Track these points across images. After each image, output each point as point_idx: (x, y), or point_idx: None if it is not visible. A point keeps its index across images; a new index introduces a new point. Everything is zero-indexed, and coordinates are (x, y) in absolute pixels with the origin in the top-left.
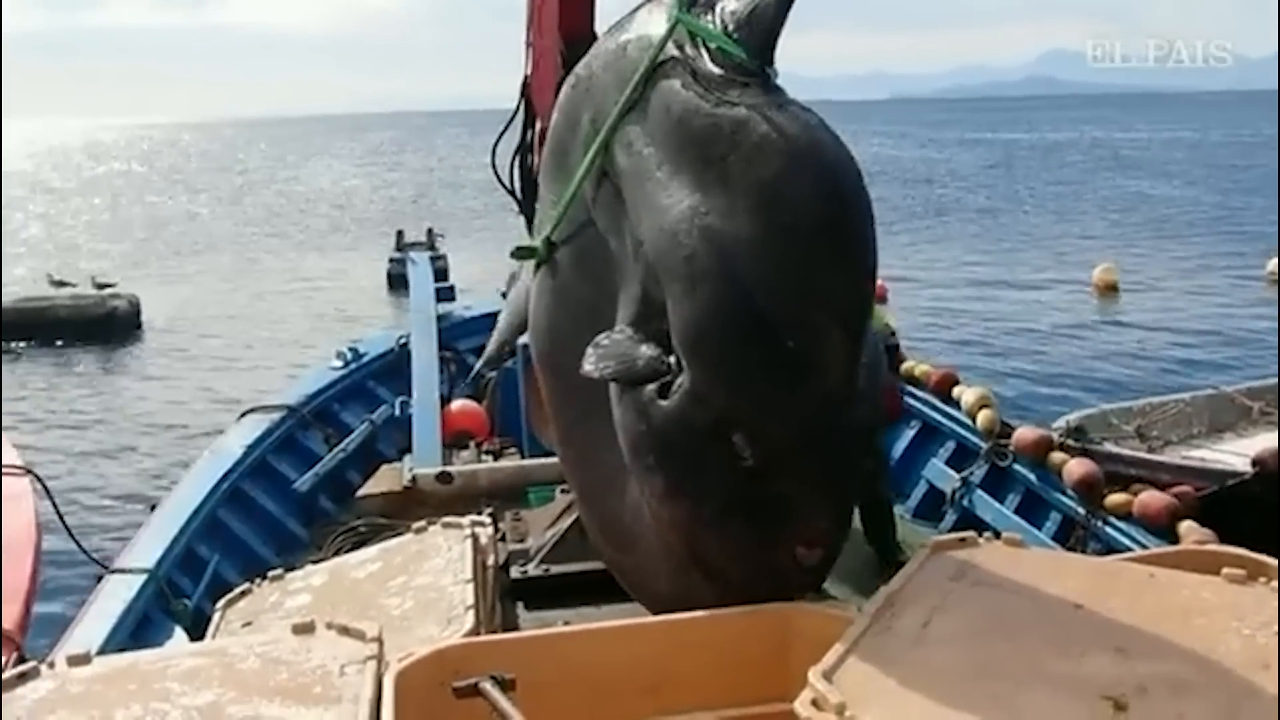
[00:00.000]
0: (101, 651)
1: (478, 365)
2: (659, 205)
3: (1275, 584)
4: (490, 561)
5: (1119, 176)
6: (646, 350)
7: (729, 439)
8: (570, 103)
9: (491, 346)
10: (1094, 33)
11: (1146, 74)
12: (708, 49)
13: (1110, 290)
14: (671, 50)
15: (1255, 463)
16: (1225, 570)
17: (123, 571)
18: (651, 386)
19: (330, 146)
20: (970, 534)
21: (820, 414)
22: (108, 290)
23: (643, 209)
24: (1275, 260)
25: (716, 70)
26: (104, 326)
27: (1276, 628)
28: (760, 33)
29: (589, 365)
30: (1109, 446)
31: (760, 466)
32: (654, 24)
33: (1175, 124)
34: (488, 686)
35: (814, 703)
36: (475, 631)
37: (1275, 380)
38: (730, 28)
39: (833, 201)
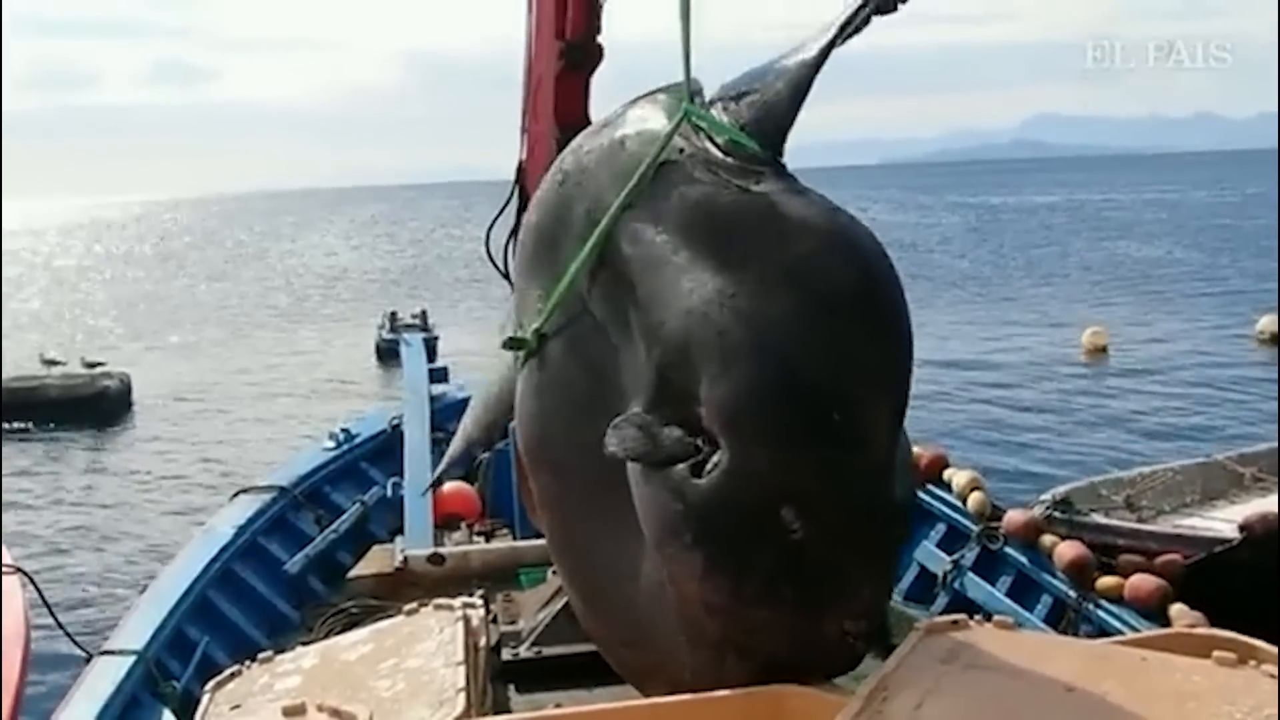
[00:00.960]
0: None
1: (439, 469)
2: (681, 289)
3: (1267, 668)
4: (482, 643)
5: (1104, 238)
6: (670, 431)
7: (776, 514)
8: (559, 197)
9: (457, 444)
10: (1079, 97)
11: (1131, 135)
12: (714, 141)
13: (1099, 352)
14: (678, 142)
15: (1243, 528)
16: (1216, 654)
17: (111, 653)
18: (682, 467)
19: (319, 221)
20: (962, 616)
21: (868, 484)
22: (98, 369)
23: (661, 294)
24: (1264, 319)
25: (729, 160)
26: (95, 406)
27: (1269, 712)
28: (773, 126)
29: (612, 446)
30: (1097, 518)
31: (809, 539)
32: (653, 119)
33: (1160, 185)
34: None
35: None
36: (466, 714)
37: (1267, 446)
38: (742, 121)
39: (867, 276)
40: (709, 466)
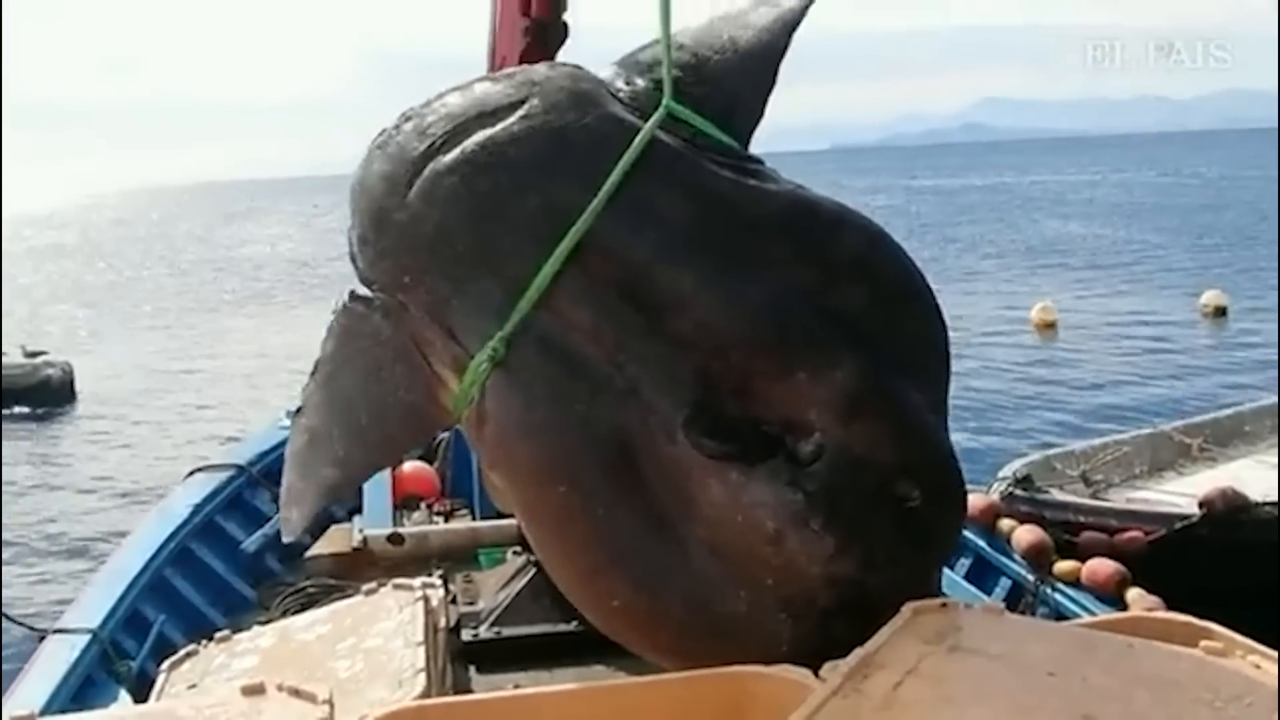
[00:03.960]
0: (44, 713)
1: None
2: (728, 288)
3: (1253, 659)
4: (441, 624)
5: (1052, 217)
6: (748, 428)
7: (893, 485)
8: (481, 188)
9: (318, 494)
10: (1024, 80)
11: (1075, 117)
12: (683, 136)
13: (1049, 328)
14: (659, 135)
15: (1203, 504)
16: (1203, 643)
17: (65, 631)
18: (779, 459)
19: (266, 209)
20: (950, 599)
21: (947, 440)
22: (39, 358)
23: (697, 294)
24: (1207, 293)
25: (718, 154)
26: (37, 395)
27: (1249, 701)
28: (745, 120)
29: (707, 445)
30: (1056, 495)
31: (921, 501)
32: (588, 104)
33: (1103, 166)
34: None
35: None
36: (426, 695)
37: (1211, 416)
38: (713, 111)
39: (911, 264)
40: (809, 452)
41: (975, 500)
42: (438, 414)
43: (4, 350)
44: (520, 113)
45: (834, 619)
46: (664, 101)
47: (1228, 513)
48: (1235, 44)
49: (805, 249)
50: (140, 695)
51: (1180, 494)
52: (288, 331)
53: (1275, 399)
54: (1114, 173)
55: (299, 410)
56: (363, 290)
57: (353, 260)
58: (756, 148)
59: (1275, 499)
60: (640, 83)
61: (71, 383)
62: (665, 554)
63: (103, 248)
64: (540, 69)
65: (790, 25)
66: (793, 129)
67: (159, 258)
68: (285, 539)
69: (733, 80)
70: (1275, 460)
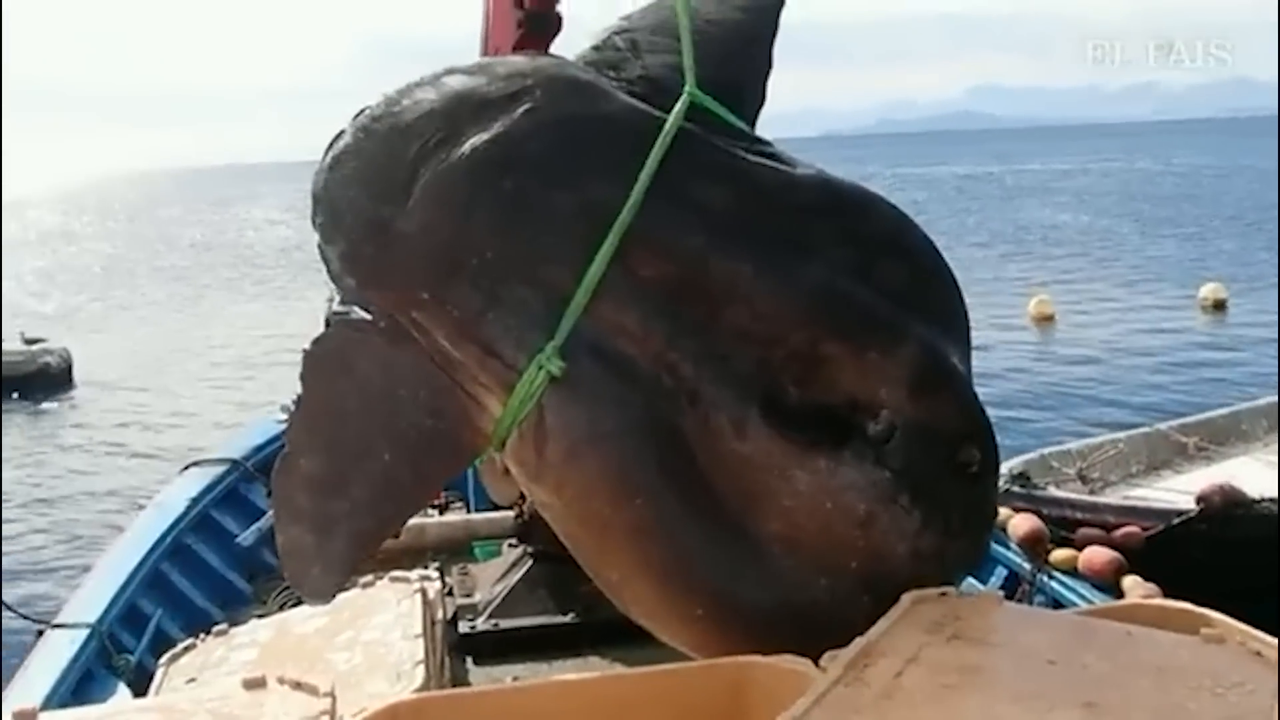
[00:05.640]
0: (44, 708)
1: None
2: (783, 271)
3: (1252, 645)
4: (439, 616)
5: (1047, 207)
6: (823, 414)
7: (959, 454)
8: (504, 191)
9: (339, 567)
10: (1017, 67)
11: (1072, 105)
12: (702, 123)
13: (1046, 320)
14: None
15: (1200, 500)
16: (1203, 630)
17: (64, 626)
18: (859, 442)
19: (262, 194)
20: (949, 588)
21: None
22: (38, 345)
23: (752, 282)
24: (1206, 287)
25: (739, 141)
26: (35, 382)
27: (1250, 689)
28: (750, 104)
29: (796, 436)
30: (1053, 491)
31: (981, 468)
32: (594, 92)
33: (1098, 155)
34: None
35: None
36: (425, 687)
37: (1207, 416)
38: (720, 93)
39: (931, 240)
40: (880, 431)
41: None
42: (475, 440)
43: (3, 337)
44: (524, 106)
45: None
46: (687, 89)
47: (1225, 508)
48: (1233, 35)
49: (844, 231)
50: (139, 689)
51: (1177, 492)
52: (291, 316)
53: (1271, 399)
54: (1109, 160)
55: (285, 455)
56: (352, 312)
57: (335, 280)
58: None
59: (1272, 496)
60: (635, 69)
61: (70, 369)
62: (742, 556)
63: (93, 231)
64: (520, 60)
65: (777, 4)
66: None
67: (149, 241)
68: (314, 604)
69: (734, 64)
70: (1272, 459)
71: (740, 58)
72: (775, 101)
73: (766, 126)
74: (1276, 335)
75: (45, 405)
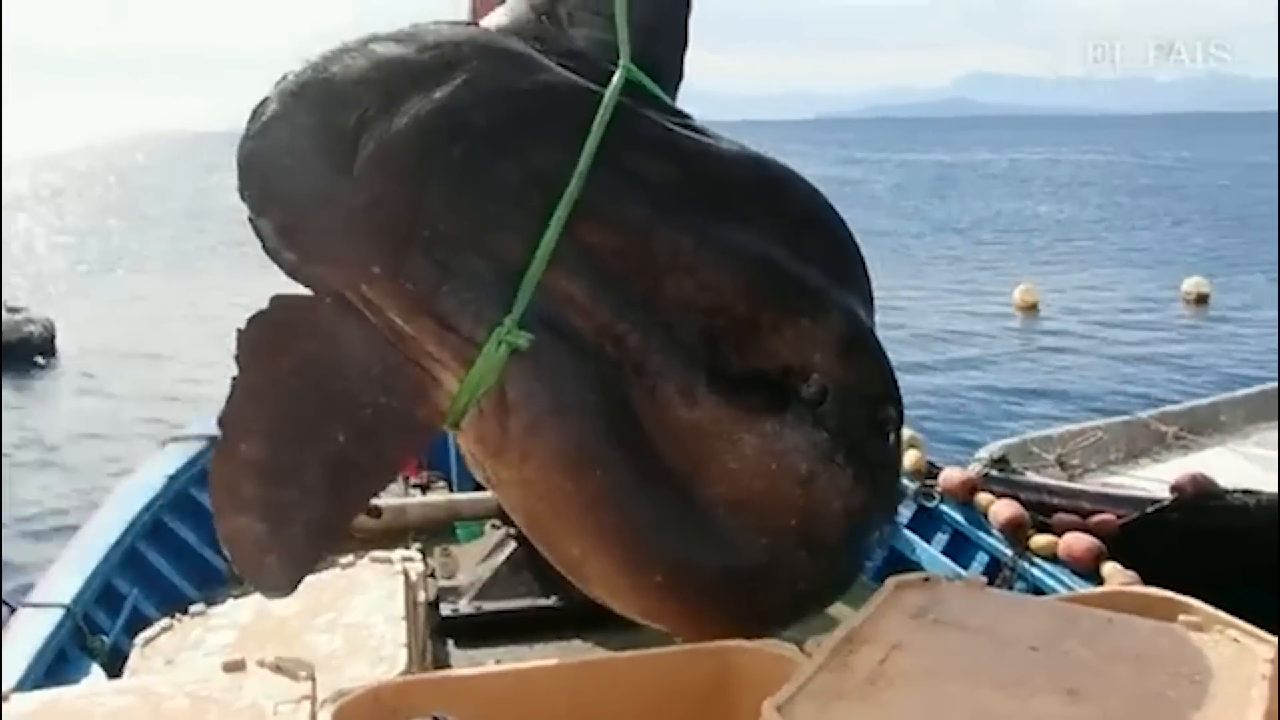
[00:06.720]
0: (17, 690)
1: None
2: (724, 242)
3: (1231, 633)
4: (421, 598)
5: (1035, 198)
6: (764, 379)
7: (880, 411)
8: (453, 162)
9: (300, 557)
10: (1010, 56)
11: (1065, 95)
12: (634, 96)
13: (1031, 309)
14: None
15: (1174, 489)
16: (1182, 618)
17: (37, 606)
18: (798, 404)
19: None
20: (933, 574)
21: None
22: (20, 314)
23: (695, 253)
24: (1189, 280)
25: (670, 115)
26: (18, 352)
27: (1228, 677)
28: (670, 78)
29: (747, 401)
30: (1031, 476)
31: (895, 423)
32: (532, 66)
33: (1088, 146)
34: None
35: None
36: (408, 671)
37: (1186, 405)
38: (647, 66)
39: (838, 211)
40: (814, 393)
41: (954, 474)
42: (432, 416)
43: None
44: (462, 75)
45: (841, 552)
46: (622, 63)
47: (1197, 498)
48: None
49: (771, 204)
50: (114, 670)
51: (1154, 480)
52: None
53: (1249, 390)
54: (1098, 153)
55: (222, 440)
56: (293, 289)
57: (271, 255)
58: (739, 112)
59: (1244, 486)
60: (563, 42)
61: (52, 339)
62: (694, 521)
63: (80, 197)
64: (449, 29)
65: None
66: (772, 96)
67: (141, 206)
68: (270, 598)
69: (656, 40)
70: (1248, 451)
71: (662, 34)
72: (769, 83)
73: (759, 107)
74: (1257, 329)
75: (27, 376)
